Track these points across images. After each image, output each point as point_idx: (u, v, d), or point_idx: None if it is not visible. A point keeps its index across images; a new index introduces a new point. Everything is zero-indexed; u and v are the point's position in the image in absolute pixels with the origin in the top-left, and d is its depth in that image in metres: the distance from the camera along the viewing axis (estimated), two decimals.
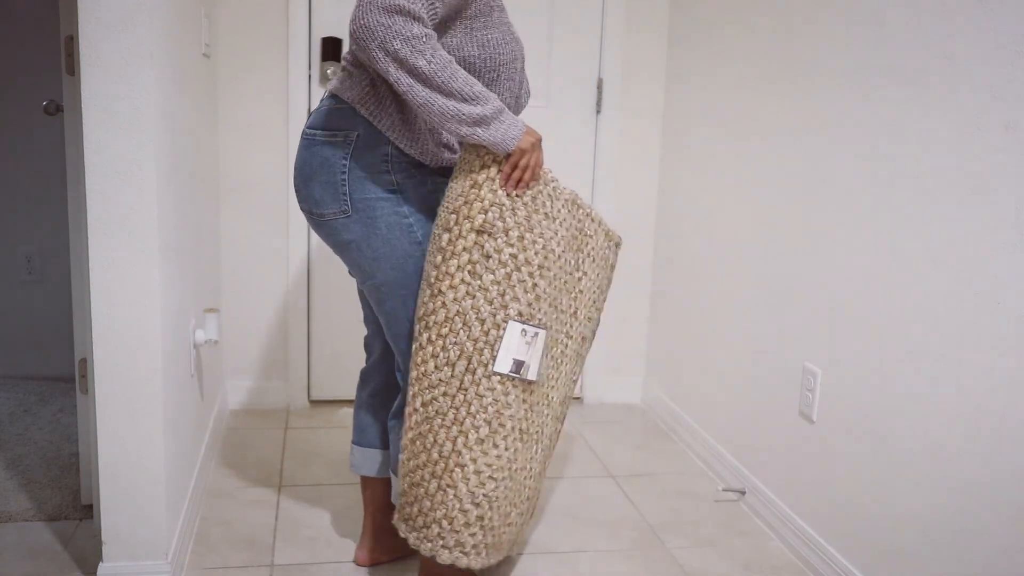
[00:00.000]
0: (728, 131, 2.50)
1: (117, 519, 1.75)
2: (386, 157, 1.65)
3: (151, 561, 1.78)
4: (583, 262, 1.76)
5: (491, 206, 1.58)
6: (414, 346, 1.64)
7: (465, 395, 1.61)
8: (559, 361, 1.76)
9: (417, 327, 1.63)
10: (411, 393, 1.65)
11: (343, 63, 1.71)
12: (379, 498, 1.93)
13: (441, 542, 1.66)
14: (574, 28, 2.92)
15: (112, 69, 1.59)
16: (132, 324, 1.68)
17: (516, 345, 1.61)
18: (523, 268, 1.61)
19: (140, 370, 1.70)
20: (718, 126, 2.57)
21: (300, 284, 2.88)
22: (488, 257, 1.59)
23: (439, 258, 1.59)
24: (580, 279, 1.76)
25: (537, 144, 1.59)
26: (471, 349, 1.60)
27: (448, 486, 1.64)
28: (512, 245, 1.60)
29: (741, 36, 2.43)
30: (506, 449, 1.65)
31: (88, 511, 2.12)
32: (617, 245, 1.83)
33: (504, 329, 1.60)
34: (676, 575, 1.99)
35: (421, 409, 1.64)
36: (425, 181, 1.70)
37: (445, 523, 1.65)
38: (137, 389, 1.70)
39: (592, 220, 1.77)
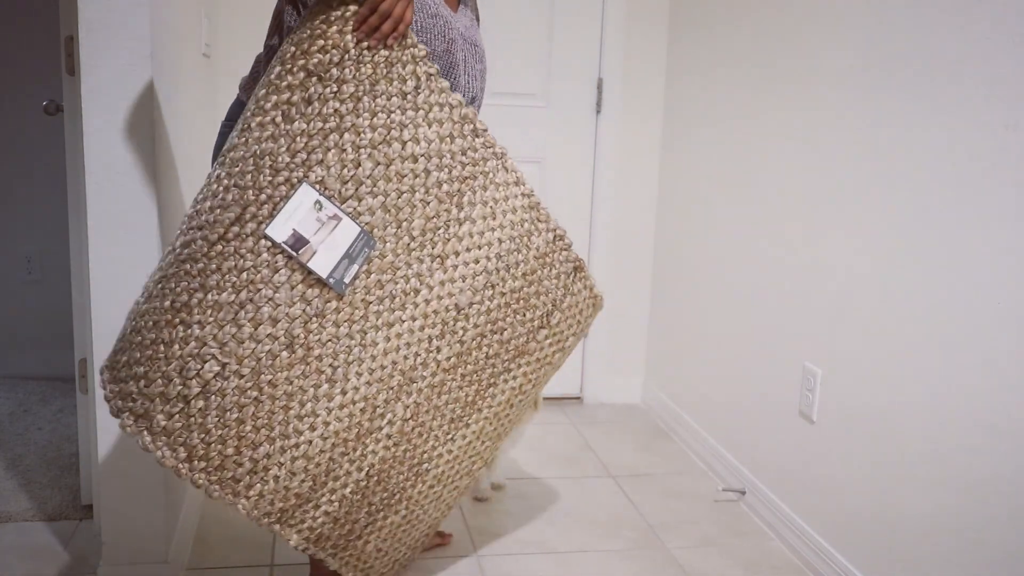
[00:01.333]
0: (728, 131, 2.50)
1: (117, 519, 1.75)
2: None
3: (151, 561, 1.78)
4: (469, 204, 1.50)
5: (332, 48, 1.35)
6: (205, 181, 1.41)
7: (224, 247, 1.33)
8: (412, 316, 1.47)
9: (216, 162, 1.41)
10: (179, 231, 1.39)
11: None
12: None
13: (131, 404, 1.33)
14: (574, 28, 2.92)
15: (112, 69, 1.59)
16: None
17: (303, 216, 1.34)
18: (346, 134, 1.36)
19: None
20: (718, 126, 2.57)
21: None
22: (309, 103, 1.34)
23: (262, 91, 1.38)
24: (460, 222, 1.49)
25: None
26: (251, 198, 1.33)
27: (163, 341, 1.33)
28: (342, 101, 1.35)
29: (741, 35, 2.43)
30: (254, 340, 1.33)
31: (88, 511, 2.12)
32: (587, 284, 1.65)
33: (295, 191, 1.33)
34: (676, 575, 1.99)
35: (178, 250, 1.37)
36: None
37: (143, 382, 1.33)
38: None
39: (535, 211, 1.55)
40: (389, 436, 1.51)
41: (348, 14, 1.36)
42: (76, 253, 2.00)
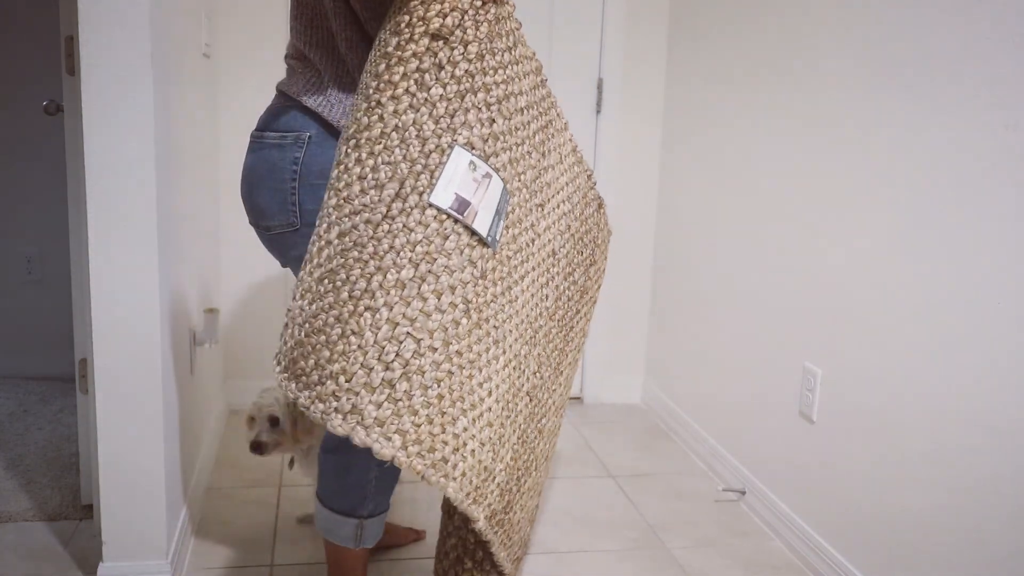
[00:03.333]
0: (728, 131, 2.50)
1: (117, 519, 1.75)
2: None
3: (151, 561, 1.78)
4: (547, 152, 1.50)
5: (452, 10, 1.31)
6: (337, 170, 1.35)
7: (391, 224, 1.29)
8: (533, 267, 1.47)
9: (344, 148, 1.35)
10: (325, 224, 1.35)
11: (286, 62, 1.58)
12: None
13: (335, 403, 1.28)
14: (574, 28, 2.92)
15: (112, 69, 1.59)
16: (132, 324, 1.68)
17: (461, 178, 1.31)
18: (479, 93, 1.34)
19: (140, 370, 1.70)
20: (718, 126, 2.57)
21: None
22: (441, 68, 1.31)
23: (382, 66, 1.32)
24: (545, 169, 1.49)
25: None
26: (406, 171, 1.29)
27: (353, 332, 1.28)
28: (471, 61, 1.33)
29: (741, 36, 2.43)
30: (439, 311, 1.30)
31: (88, 511, 2.12)
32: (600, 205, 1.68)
33: (449, 155, 1.30)
34: (676, 575, 1.99)
35: (336, 241, 1.32)
36: None
37: (342, 379, 1.28)
38: (137, 389, 1.70)
39: (562, 119, 1.55)
40: (528, 393, 1.48)
41: None
42: (76, 253, 2.00)
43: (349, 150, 1.34)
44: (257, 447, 1.88)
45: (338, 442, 1.66)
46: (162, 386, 1.72)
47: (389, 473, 1.69)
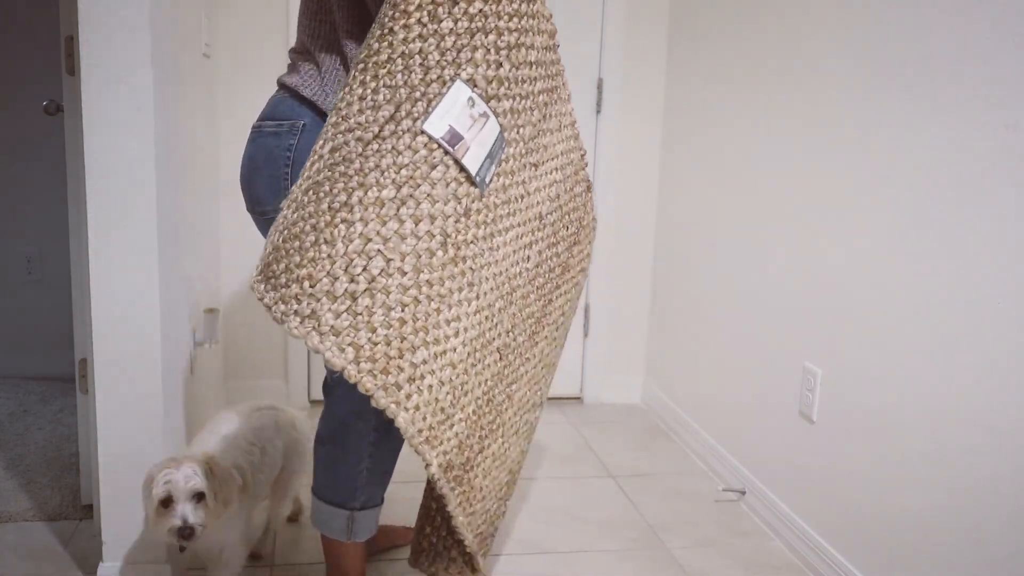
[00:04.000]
0: (728, 131, 2.50)
1: (117, 519, 1.75)
2: None
3: (151, 561, 1.78)
4: (548, 116, 1.51)
5: None
6: (342, 91, 1.36)
7: (380, 144, 1.30)
8: (519, 222, 1.47)
9: (352, 71, 1.36)
10: (321, 141, 1.36)
11: (289, 56, 1.62)
12: None
13: (296, 306, 1.28)
14: (574, 28, 2.92)
15: (112, 69, 1.59)
16: (132, 324, 1.68)
17: (458, 113, 1.33)
18: (491, 35, 1.35)
19: (140, 370, 1.70)
20: (718, 126, 2.57)
21: None
22: (455, 3, 1.32)
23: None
24: (544, 132, 1.51)
25: None
26: (404, 96, 1.31)
27: (325, 241, 1.28)
28: (486, 2, 1.35)
29: (741, 36, 2.43)
30: (415, 237, 1.30)
31: (88, 511, 2.12)
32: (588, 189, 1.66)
33: (449, 88, 1.32)
34: (676, 575, 1.99)
35: (327, 156, 1.34)
36: None
37: (307, 283, 1.28)
38: (137, 389, 1.70)
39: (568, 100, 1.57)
40: (499, 349, 1.48)
41: None
42: (76, 253, 2.00)
43: (356, 73, 1.34)
44: (186, 533, 1.50)
45: (330, 432, 1.67)
46: (162, 386, 1.72)
47: (379, 465, 1.69)
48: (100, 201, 1.63)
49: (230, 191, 2.78)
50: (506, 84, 1.39)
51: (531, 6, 1.43)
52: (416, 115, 1.30)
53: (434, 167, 1.31)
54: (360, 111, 1.32)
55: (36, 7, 2.95)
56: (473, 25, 1.34)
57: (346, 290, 1.27)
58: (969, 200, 1.57)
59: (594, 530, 2.18)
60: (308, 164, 1.36)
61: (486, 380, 1.47)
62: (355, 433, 1.65)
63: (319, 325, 1.26)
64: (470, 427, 1.46)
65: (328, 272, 1.27)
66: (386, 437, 1.66)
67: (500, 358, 1.49)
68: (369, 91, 1.32)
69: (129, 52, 1.59)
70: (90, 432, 2.03)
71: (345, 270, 1.27)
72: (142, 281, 1.67)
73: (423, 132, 1.30)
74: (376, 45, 1.33)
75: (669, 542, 2.14)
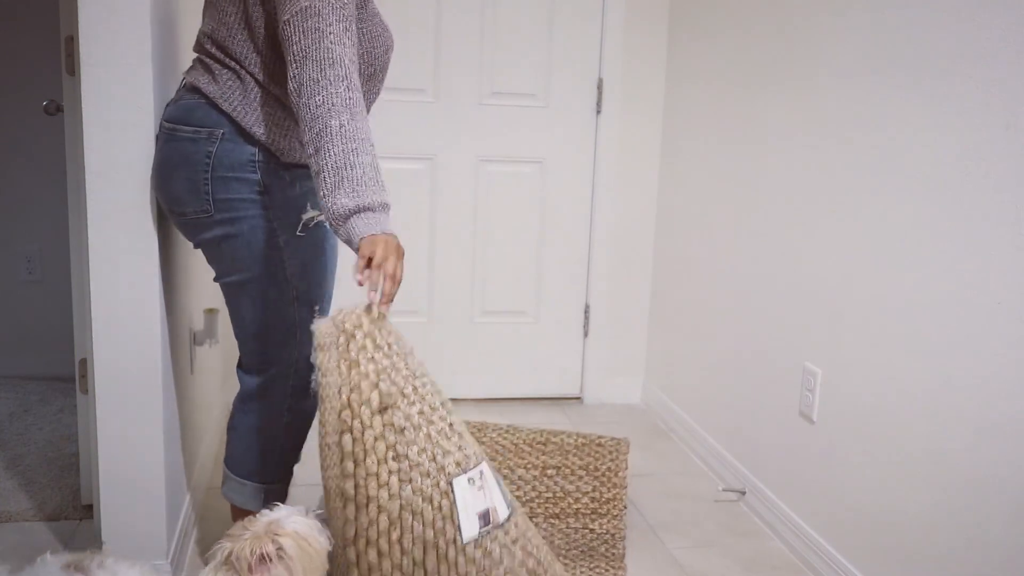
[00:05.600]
0: (728, 131, 2.50)
1: (117, 519, 1.75)
2: (252, 157, 1.56)
3: (151, 561, 1.78)
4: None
5: (378, 376, 1.34)
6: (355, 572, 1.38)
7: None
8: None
9: (350, 551, 1.36)
10: None
11: (201, 56, 1.63)
12: None
13: None
14: (574, 28, 2.92)
15: (112, 69, 1.59)
16: (132, 324, 1.68)
17: (472, 499, 1.38)
18: (435, 417, 1.39)
19: (140, 370, 1.70)
20: (718, 126, 2.57)
21: None
22: (403, 431, 1.35)
23: (350, 465, 1.33)
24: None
25: (399, 249, 1.37)
26: (432, 536, 1.34)
27: None
28: (413, 403, 1.37)
29: (741, 36, 2.43)
30: None
31: (88, 511, 2.12)
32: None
33: (453, 493, 1.36)
34: (676, 575, 1.99)
35: None
36: (294, 184, 1.60)
37: None
38: (137, 389, 1.70)
39: None
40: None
41: (360, 342, 1.36)
42: (76, 253, 2.00)
43: (362, 552, 1.35)
44: None
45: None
46: (162, 386, 1.72)
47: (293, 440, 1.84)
48: (100, 201, 1.63)
49: None
50: (462, 432, 1.44)
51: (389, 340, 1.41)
52: (452, 538, 1.36)
53: (489, 554, 1.40)
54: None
55: (36, 7, 2.95)
56: (425, 431, 1.37)
57: None
58: (969, 200, 1.57)
59: None
60: None
61: None
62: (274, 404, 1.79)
63: None
64: None
65: None
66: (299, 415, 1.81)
67: None
68: (398, 558, 1.34)
69: (129, 52, 1.59)
70: (90, 432, 2.03)
71: None
72: (142, 281, 1.67)
73: (468, 543, 1.37)
74: (364, 519, 1.35)
75: (669, 542, 2.14)
